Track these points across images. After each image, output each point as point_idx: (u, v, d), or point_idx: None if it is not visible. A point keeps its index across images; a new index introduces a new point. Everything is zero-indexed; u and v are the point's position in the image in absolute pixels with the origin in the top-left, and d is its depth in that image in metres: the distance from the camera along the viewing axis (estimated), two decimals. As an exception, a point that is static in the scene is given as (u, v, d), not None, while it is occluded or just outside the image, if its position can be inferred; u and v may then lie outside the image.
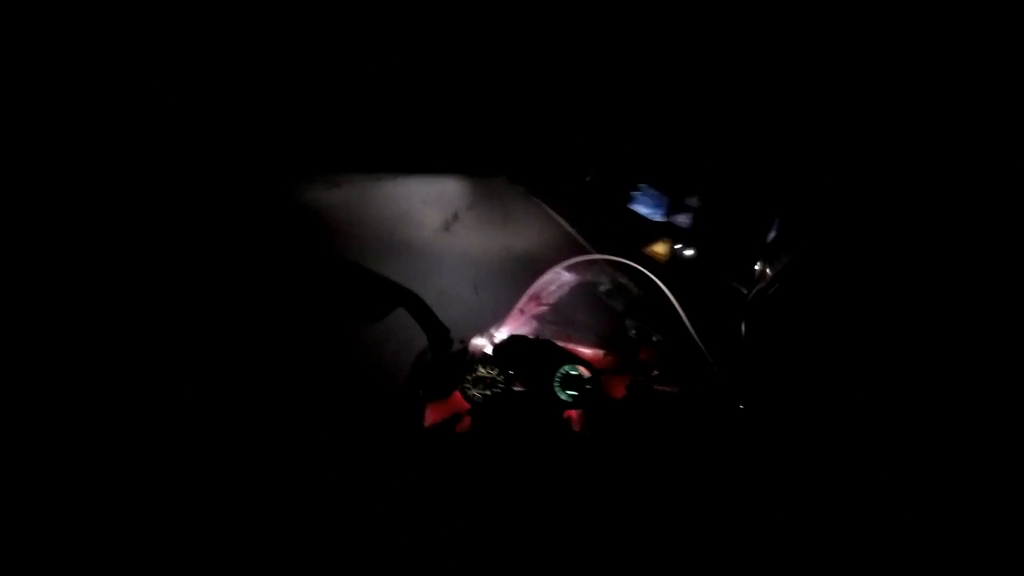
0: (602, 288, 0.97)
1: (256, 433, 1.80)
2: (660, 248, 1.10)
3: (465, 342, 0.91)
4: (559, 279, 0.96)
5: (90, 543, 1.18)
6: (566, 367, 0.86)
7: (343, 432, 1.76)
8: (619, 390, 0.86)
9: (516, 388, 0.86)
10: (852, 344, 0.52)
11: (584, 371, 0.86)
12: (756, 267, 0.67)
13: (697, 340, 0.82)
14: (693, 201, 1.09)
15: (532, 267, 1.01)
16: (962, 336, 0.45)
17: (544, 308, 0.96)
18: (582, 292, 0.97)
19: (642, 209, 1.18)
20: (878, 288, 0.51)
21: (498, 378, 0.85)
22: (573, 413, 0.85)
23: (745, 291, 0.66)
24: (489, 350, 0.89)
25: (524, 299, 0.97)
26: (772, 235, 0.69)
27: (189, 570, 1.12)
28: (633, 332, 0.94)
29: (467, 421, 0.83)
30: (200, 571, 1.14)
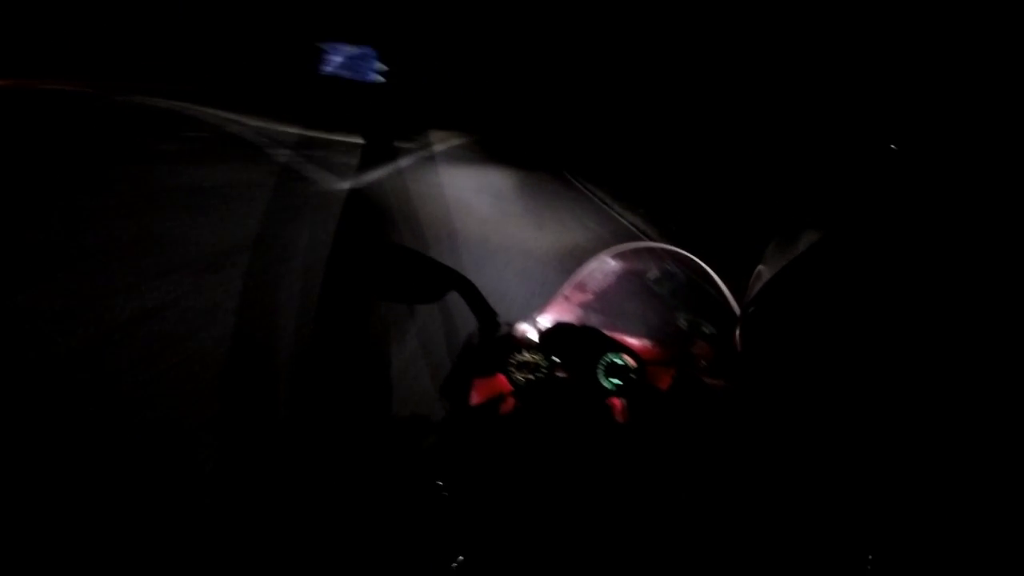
0: (651, 276, 0.94)
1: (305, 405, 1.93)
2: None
3: (512, 326, 0.92)
4: (605, 266, 0.94)
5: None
6: (611, 355, 0.84)
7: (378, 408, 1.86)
8: (666, 382, 0.83)
9: (559, 374, 0.85)
10: (851, 348, 0.48)
11: (630, 360, 0.84)
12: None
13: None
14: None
15: (580, 256, 1.00)
16: (962, 339, 0.41)
17: (590, 296, 0.95)
18: (631, 281, 0.95)
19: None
20: (875, 291, 0.47)
21: (541, 363, 0.85)
22: (616, 402, 0.83)
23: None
24: (533, 335, 0.89)
25: (569, 286, 0.96)
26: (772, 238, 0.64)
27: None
28: (684, 324, 0.91)
29: (511, 403, 0.84)
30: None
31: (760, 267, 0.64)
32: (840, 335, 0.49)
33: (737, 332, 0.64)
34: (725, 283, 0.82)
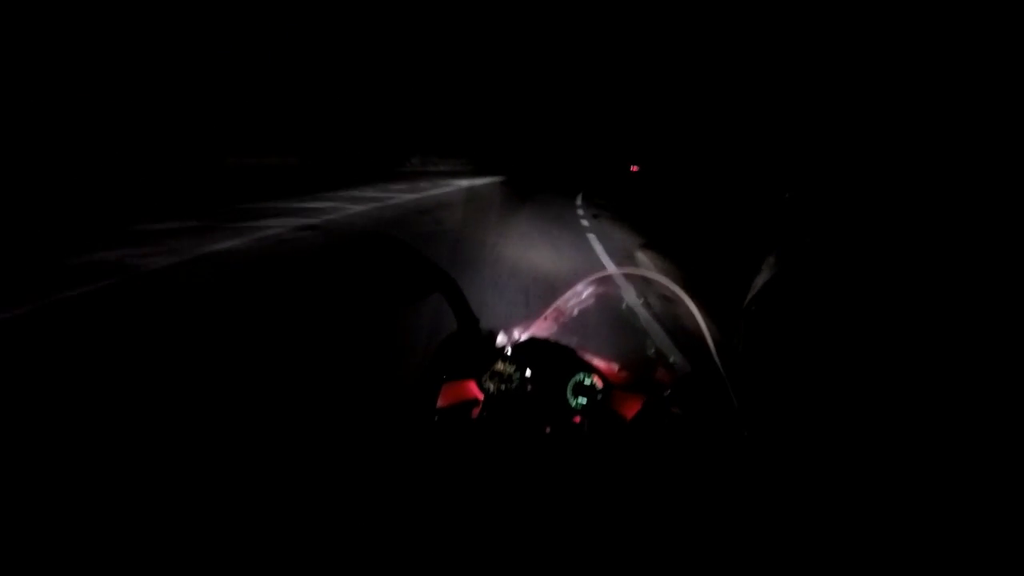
0: (626, 304, 0.97)
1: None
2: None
3: (491, 334, 0.95)
4: (587, 290, 0.98)
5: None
6: (581, 374, 0.87)
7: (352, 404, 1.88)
8: (628, 405, 0.85)
9: (529, 388, 0.88)
10: (847, 352, 0.51)
11: (597, 381, 0.87)
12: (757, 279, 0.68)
13: (719, 364, 0.80)
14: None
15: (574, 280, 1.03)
16: (957, 340, 0.45)
17: (568, 317, 0.98)
18: (608, 306, 0.99)
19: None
20: (870, 293, 0.51)
21: (514, 375, 0.88)
22: (580, 420, 0.86)
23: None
24: (509, 348, 0.92)
25: (551, 308, 1.00)
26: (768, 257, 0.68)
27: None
28: (652, 352, 0.94)
29: (477, 410, 0.87)
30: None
31: (759, 276, 0.69)
32: (830, 327, 0.53)
33: (741, 326, 0.68)
34: (704, 312, 0.85)
